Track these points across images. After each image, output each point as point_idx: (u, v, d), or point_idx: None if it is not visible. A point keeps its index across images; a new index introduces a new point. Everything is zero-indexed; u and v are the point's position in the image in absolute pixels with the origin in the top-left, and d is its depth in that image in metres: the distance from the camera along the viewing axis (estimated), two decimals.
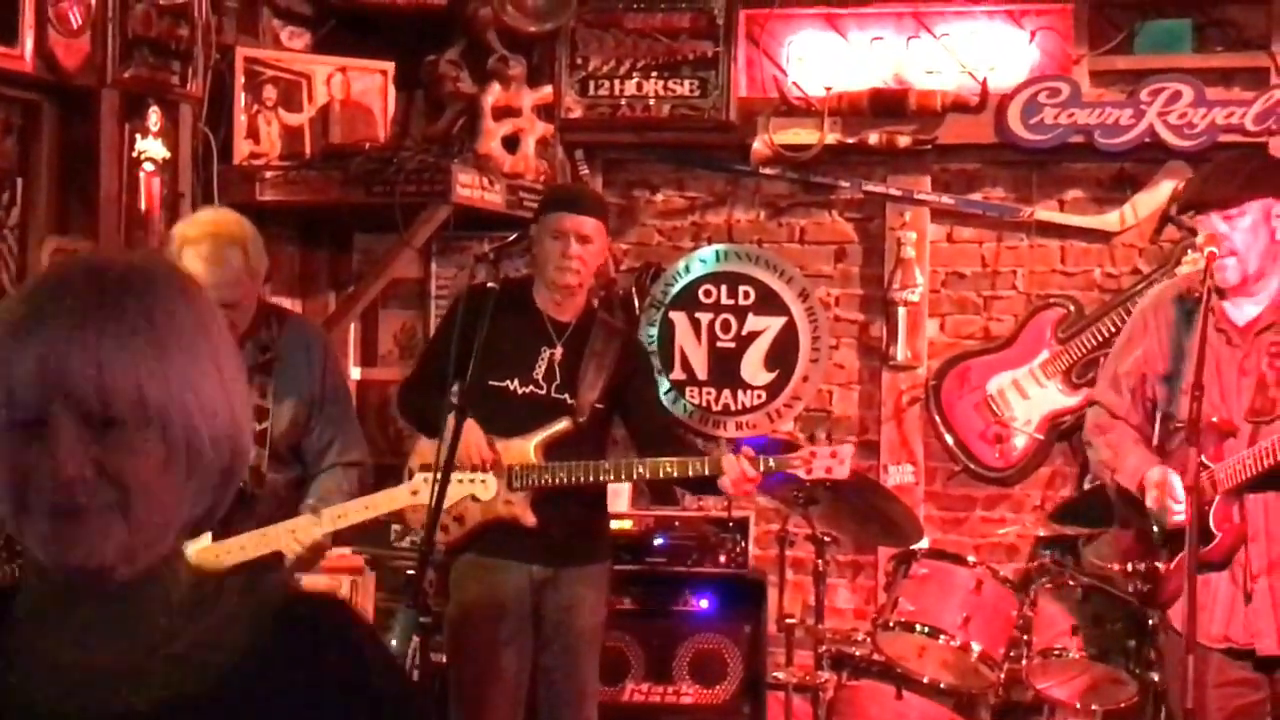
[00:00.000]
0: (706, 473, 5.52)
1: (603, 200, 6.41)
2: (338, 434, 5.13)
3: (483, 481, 5.12)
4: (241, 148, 6.91)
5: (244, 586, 1.94)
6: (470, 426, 5.25)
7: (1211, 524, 4.86)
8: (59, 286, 1.83)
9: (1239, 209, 4.86)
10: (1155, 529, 4.98)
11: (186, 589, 1.89)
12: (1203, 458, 4.80)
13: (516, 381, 5.67)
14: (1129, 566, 5.17)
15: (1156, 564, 5.03)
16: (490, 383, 5.52)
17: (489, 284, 5.28)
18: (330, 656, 1.90)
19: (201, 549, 4.78)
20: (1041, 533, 7.12)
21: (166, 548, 1.86)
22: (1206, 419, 4.84)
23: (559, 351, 5.70)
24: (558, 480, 5.58)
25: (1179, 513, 4.79)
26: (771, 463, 5.48)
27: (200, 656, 1.85)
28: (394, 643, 4.82)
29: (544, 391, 5.69)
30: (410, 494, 5.05)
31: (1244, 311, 4.97)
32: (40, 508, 1.81)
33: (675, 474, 5.60)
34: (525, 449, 5.62)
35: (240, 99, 6.91)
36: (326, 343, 5.36)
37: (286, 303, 7.51)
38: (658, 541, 6.79)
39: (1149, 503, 4.92)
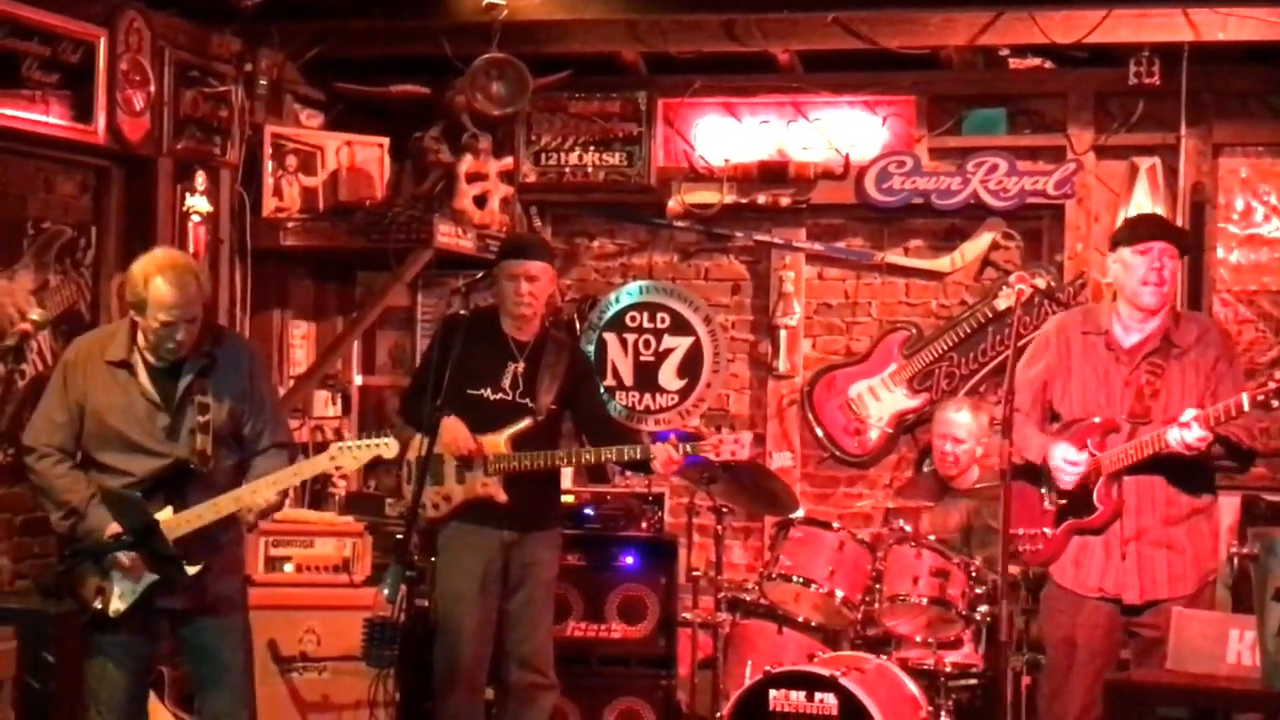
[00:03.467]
0: (640, 458, 5.59)
1: (547, 246, 6.42)
2: (267, 423, 5.01)
3: (385, 444, 4.94)
4: (269, 204, 6.86)
5: None
6: (455, 423, 5.30)
7: (1095, 499, 4.94)
8: None
9: (1176, 256, 4.97)
10: (1044, 491, 5.06)
11: None
12: (1090, 446, 4.94)
13: (489, 390, 5.71)
14: (1020, 531, 5.14)
15: (1045, 530, 5.08)
16: (468, 391, 5.58)
17: (461, 312, 5.30)
18: None
19: (166, 519, 4.73)
20: (890, 504, 7.14)
21: None
22: (1090, 418, 4.93)
23: (521, 365, 5.74)
24: (523, 466, 5.63)
25: (1070, 477, 4.92)
26: (689, 448, 5.58)
27: None
28: (385, 591, 4.81)
29: (510, 397, 5.72)
30: (329, 459, 4.94)
31: (1131, 337, 5.03)
32: None
33: (614, 460, 5.66)
34: (498, 442, 5.66)
35: (268, 166, 6.86)
36: (255, 354, 5.21)
37: (303, 326, 7.49)
38: (593, 511, 6.76)
39: (1053, 470, 5.00)
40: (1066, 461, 4.95)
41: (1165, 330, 4.99)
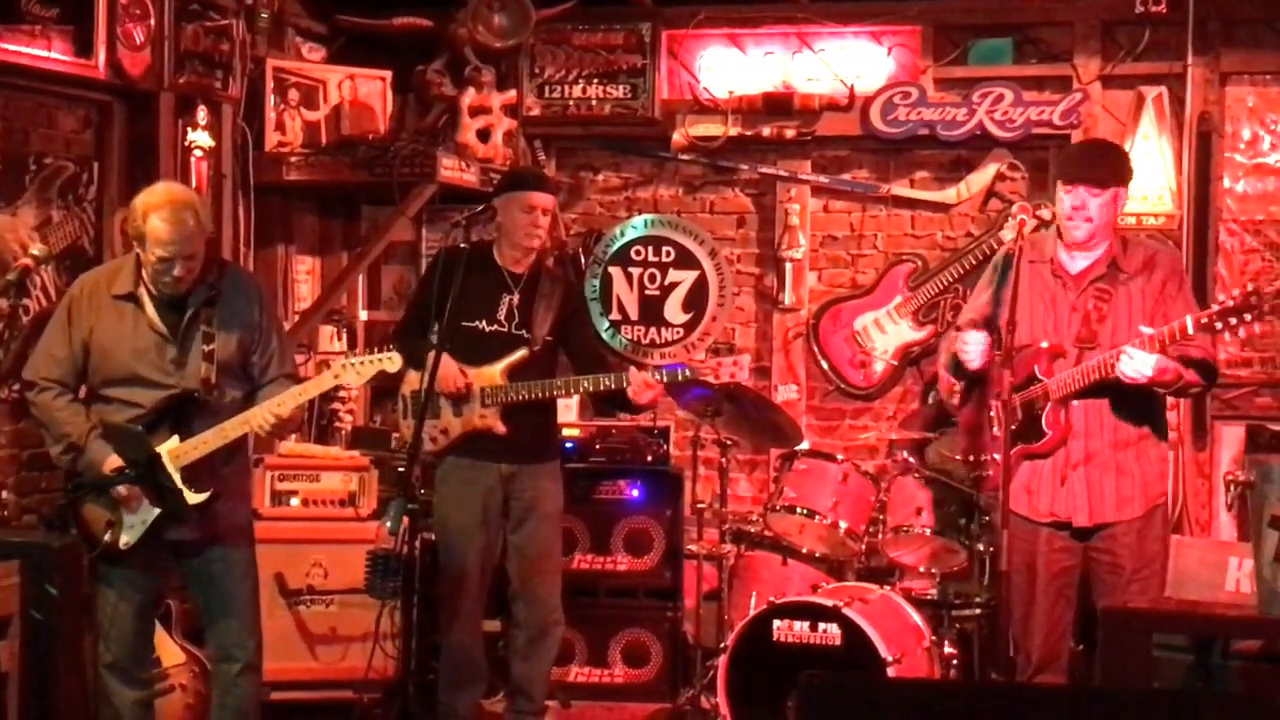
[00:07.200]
0: (613, 387, 5.54)
1: (552, 180, 6.43)
2: (274, 356, 5.03)
3: (389, 358, 4.95)
4: (271, 138, 6.84)
5: None
6: (445, 361, 5.27)
7: (1044, 424, 4.94)
8: None
9: (1102, 189, 4.92)
10: (991, 416, 5.04)
11: None
12: (1037, 372, 4.95)
13: (484, 322, 5.69)
14: (969, 458, 5.22)
15: (995, 456, 5.07)
16: (464, 324, 5.56)
17: (461, 245, 5.28)
18: None
19: (172, 447, 4.74)
20: (894, 436, 7.16)
21: None
22: (1036, 344, 4.92)
23: (516, 297, 5.72)
24: (520, 397, 5.61)
25: (969, 349, 4.98)
26: (687, 371, 5.53)
27: None
28: (388, 523, 4.83)
29: (506, 329, 5.71)
30: (333, 376, 4.95)
31: (1077, 263, 5.04)
32: None
33: (591, 390, 5.62)
34: (494, 374, 5.64)
35: (270, 100, 6.83)
36: (261, 287, 5.21)
37: (308, 261, 7.49)
38: (600, 445, 6.79)
39: (957, 350, 5.07)
40: (965, 343, 5.01)
41: (1113, 256, 5.01)
